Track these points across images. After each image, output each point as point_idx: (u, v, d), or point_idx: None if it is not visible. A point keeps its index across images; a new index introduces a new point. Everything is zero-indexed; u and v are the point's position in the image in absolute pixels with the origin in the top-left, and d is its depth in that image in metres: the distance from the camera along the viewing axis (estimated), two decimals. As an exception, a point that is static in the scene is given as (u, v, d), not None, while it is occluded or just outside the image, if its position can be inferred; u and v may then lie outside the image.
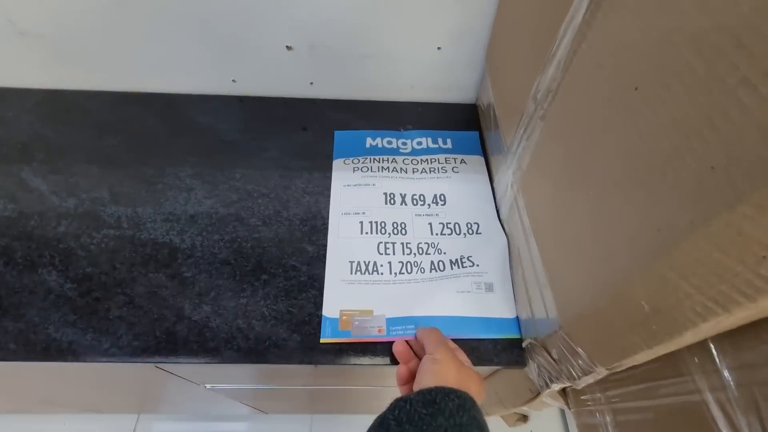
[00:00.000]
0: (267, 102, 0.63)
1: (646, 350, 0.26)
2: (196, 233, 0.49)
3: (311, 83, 0.62)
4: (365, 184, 0.54)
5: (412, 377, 0.37)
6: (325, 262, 0.47)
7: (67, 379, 0.60)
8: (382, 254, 0.48)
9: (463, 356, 0.39)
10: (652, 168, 0.23)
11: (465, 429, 0.28)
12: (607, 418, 0.38)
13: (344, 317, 0.43)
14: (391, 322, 0.43)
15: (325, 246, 0.49)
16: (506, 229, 0.50)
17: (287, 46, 0.56)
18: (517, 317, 0.45)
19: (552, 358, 0.37)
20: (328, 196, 0.53)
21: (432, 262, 0.48)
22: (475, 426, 0.29)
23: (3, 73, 0.60)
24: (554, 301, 0.35)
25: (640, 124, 0.24)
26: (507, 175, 0.48)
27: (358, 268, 0.47)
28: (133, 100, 0.62)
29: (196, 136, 0.59)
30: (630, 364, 0.29)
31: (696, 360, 0.27)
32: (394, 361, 0.41)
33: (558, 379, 0.38)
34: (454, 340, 0.42)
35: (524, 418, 1.04)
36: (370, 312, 0.43)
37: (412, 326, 0.43)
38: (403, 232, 0.50)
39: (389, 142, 0.59)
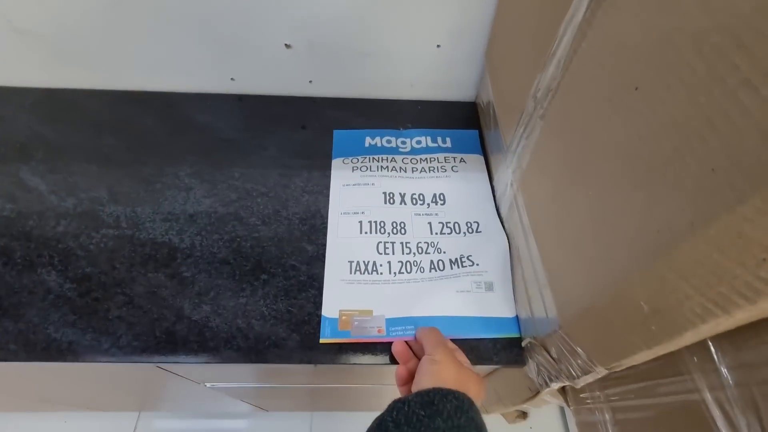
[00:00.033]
0: (266, 100, 0.63)
1: (645, 351, 0.26)
2: (195, 233, 0.49)
3: (310, 81, 0.62)
4: (364, 184, 0.53)
5: (411, 378, 0.37)
6: (324, 262, 0.47)
7: (68, 378, 0.60)
8: (381, 254, 0.48)
9: (462, 356, 0.39)
10: (652, 168, 0.23)
11: (463, 430, 0.28)
12: (606, 416, 0.39)
13: (344, 317, 0.43)
14: (391, 322, 0.43)
15: (324, 245, 0.49)
16: (506, 228, 0.50)
17: (286, 45, 0.56)
18: (517, 316, 0.45)
19: (551, 357, 0.37)
20: (328, 195, 0.53)
21: (432, 262, 0.48)
22: (474, 427, 0.29)
23: (1, 72, 0.60)
24: (554, 300, 0.35)
25: (641, 124, 0.24)
26: (507, 174, 0.47)
27: (358, 268, 0.47)
28: (132, 99, 0.62)
29: (195, 135, 0.58)
30: (629, 364, 0.29)
31: (695, 359, 0.27)
32: (394, 361, 0.41)
33: (557, 378, 0.38)
34: (454, 340, 0.42)
35: (524, 414, 1.04)
36: (370, 312, 0.43)
37: (412, 326, 0.43)
38: (403, 231, 0.50)
39: (388, 141, 0.59)
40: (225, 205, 0.52)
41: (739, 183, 0.17)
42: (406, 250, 0.48)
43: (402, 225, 0.50)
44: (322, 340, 0.42)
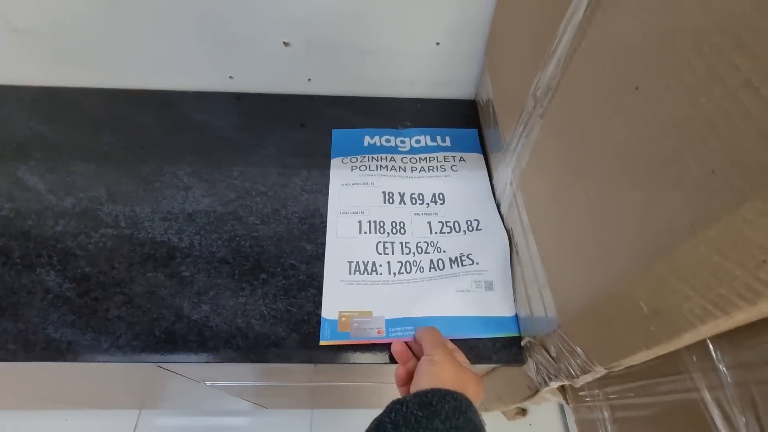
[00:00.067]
0: (264, 99, 0.63)
1: (644, 351, 0.26)
2: (194, 232, 0.49)
3: (309, 79, 0.61)
4: (363, 183, 0.53)
5: (410, 378, 0.37)
6: (323, 261, 0.47)
7: (68, 377, 0.61)
8: (381, 254, 0.48)
9: (461, 357, 0.39)
10: (652, 169, 0.23)
11: (461, 431, 0.28)
12: (605, 414, 0.39)
13: (343, 318, 0.43)
14: (390, 323, 0.43)
15: (323, 244, 0.49)
16: (506, 226, 0.50)
17: (284, 42, 0.56)
18: (516, 315, 0.45)
19: (551, 356, 0.38)
20: (327, 194, 0.53)
21: (431, 261, 0.47)
22: (472, 428, 0.29)
23: (-2, 71, 0.60)
24: (553, 300, 0.35)
25: (641, 124, 0.24)
26: (506, 173, 0.47)
27: (357, 269, 0.47)
28: (130, 97, 0.61)
29: (193, 134, 0.58)
30: (628, 364, 0.29)
31: (694, 358, 0.27)
32: (394, 360, 0.41)
33: (557, 377, 0.38)
34: (454, 340, 0.42)
35: (523, 411, 1.04)
36: (369, 313, 0.43)
37: (411, 327, 0.43)
38: (402, 231, 0.50)
39: (387, 141, 0.58)
40: (224, 205, 0.52)
41: (740, 184, 0.17)
42: (405, 249, 0.48)
43: (401, 225, 0.50)
44: (321, 342, 0.42)
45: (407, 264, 0.47)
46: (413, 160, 0.56)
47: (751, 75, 0.17)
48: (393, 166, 0.55)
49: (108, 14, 0.52)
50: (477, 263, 0.47)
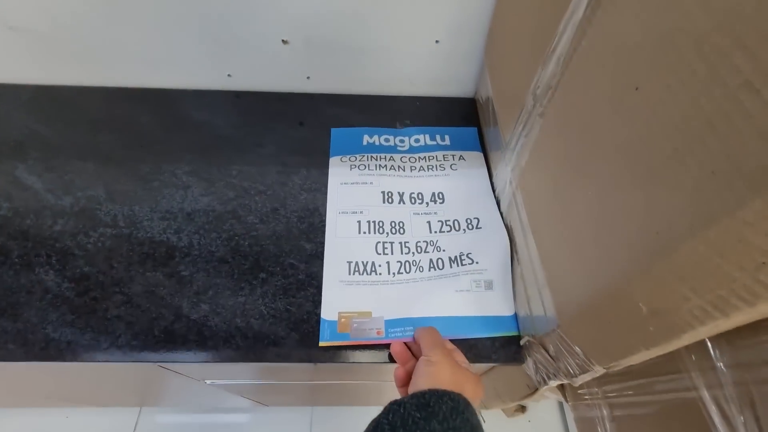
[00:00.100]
0: (263, 97, 0.62)
1: (643, 351, 0.26)
2: (193, 231, 0.49)
3: (308, 78, 0.61)
4: (362, 183, 0.53)
5: (409, 379, 0.36)
6: (323, 260, 0.47)
7: (68, 377, 0.61)
8: (380, 254, 0.48)
9: (460, 357, 0.39)
10: (652, 170, 0.22)
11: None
12: (604, 412, 0.39)
13: (343, 319, 0.43)
14: (390, 323, 0.43)
15: (322, 243, 0.49)
16: (506, 225, 0.49)
17: (283, 40, 0.55)
18: (516, 314, 0.45)
19: (550, 355, 0.38)
20: (326, 193, 0.53)
21: (431, 261, 0.47)
22: (469, 428, 0.29)
23: (-5, 69, 0.59)
24: (552, 299, 0.35)
25: (641, 124, 0.23)
26: (506, 172, 0.47)
27: (356, 269, 0.46)
28: (128, 95, 0.61)
29: (191, 132, 0.58)
30: (627, 364, 0.29)
31: (693, 357, 0.27)
32: (393, 360, 0.41)
33: (555, 376, 0.38)
34: (453, 340, 0.42)
35: (522, 408, 1.05)
36: (369, 314, 0.43)
37: (411, 327, 0.43)
38: (402, 231, 0.50)
39: (386, 140, 0.58)
40: (223, 204, 0.51)
41: (740, 186, 0.17)
42: (405, 249, 0.48)
43: (401, 224, 0.50)
44: (321, 343, 0.42)
45: (407, 264, 0.47)
46: (412, 159, 0.56)
47: (751, 76, 0.16)
48: (392, 165, 0.55)
49: (106, 12, 0.52)
50: (477, 262, 0.46)
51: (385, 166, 0.55)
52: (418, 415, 0.28)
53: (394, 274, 0.46)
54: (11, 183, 0.51)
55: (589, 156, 0.29)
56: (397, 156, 0.56)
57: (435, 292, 0.45)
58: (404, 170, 0.55)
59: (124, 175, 0.53)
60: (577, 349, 0.33)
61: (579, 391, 0.42)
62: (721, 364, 0.25)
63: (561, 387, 0.45)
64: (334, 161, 0.55)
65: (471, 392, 0.33)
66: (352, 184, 0.53)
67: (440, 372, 0.34)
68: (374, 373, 0.59)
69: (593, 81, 0.28)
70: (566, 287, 0.34)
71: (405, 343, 0.41)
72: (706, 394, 0.27)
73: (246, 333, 0.43)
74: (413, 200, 0.52)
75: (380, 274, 0.46)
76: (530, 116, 0.39)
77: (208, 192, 0.52)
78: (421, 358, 0.36)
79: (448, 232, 0.50)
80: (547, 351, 0.38)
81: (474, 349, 0.43)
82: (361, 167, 0.54)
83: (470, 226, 0.50)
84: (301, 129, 0.60)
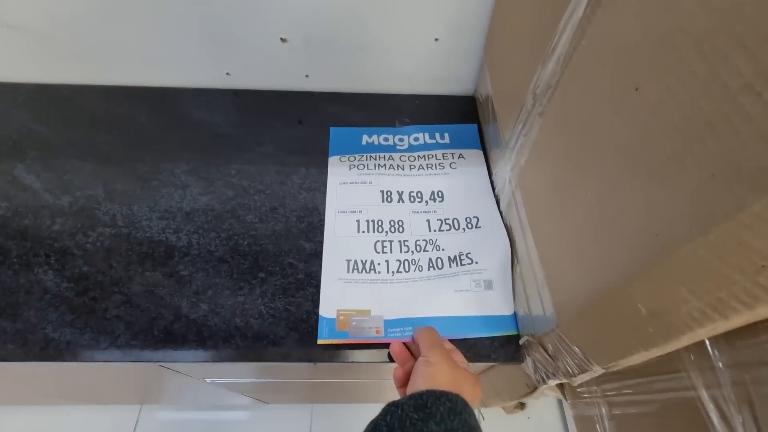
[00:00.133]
0: (262, 95, 0.62)
1: (642, 352, 0.26)
2: (192, 231, 0.49)
3: (307, 76, 0.61)
4: (361, 182, 0.53)
5: (408, 379, 0.37)
6: (322, 260, 0.47)
7: (68, 376, 0.61)
8: (379, 253, 0.48)
9: (459, 357, 0.39)
10: (652, 171, 0.22)
11: None
12: (603, 410, 0.39)
13: (341, 317, 0.43)
14: (389, 323, 0.43)
15: (322, 243, 0.48)
16: (505, 224, 0.49)
17: (282, 39, 0.55)
18: (515, 313, 0.45)
19: (549, 355, 0.38)
20: (325, 192, 0.53)
21: (430, 260, 0.47)
22: (467, 429, 0.29)
23: (-8, 68, 0.59)
24: (551, 299, 0.35)
25: (640, 125, 0.23)
26: (505, 171, 0.47)
27: (355, 267, 0.46)
28: (126, 94, 0.61)
29: (190, 131, 0.58)
30: (626, 365, 0.29)
31: (692, 357, 0.27)
32: (393, 360, 0.41)
33: (555, 375, 0.38)
34: (453, 340, 0.42)
35: (521, 405, 1.05)
36: (368, 312, 0.43)
37: (410, 328, 0.43)
38: (401, 229, 0.49)
39: (386, 139, 0.58)
40: (222, 203, 0.51)
41: (739, 189, 0.17)
42: (404, 248, 0.48)
43: (400, 223, 0.50)
44: (320, 341, 0.42)
45: (406, 262, 0.47)
46: (412, 158, 0.56)
47: (752, 78, 0.16)
48: (391, 164, 0.55)
49: (104, 10, 0.51)
50: (476, 262, 0.46)
51: (384, 165, 0.55)
52: (416, 417, 0.28)
53: (393, 272, 0.46)
54: (9, 182, 0.51)
55: (588, 156, 0.29)
56: (396, 155, 0.56)
57: (434, 292, 0.45)
58: (403, 169, 0.55)
59: (123, 175, 0.53)
60: (576, 349, 0.33)
61: (578, 390, 0.42)
62: (720, 364, 0.25)
63: (560, 385, 0.45)
64: (333, 161, 0.55)
65: (469, 393, 0.33)
66: (351, 183, 0.53)
67: (438, 373, 0.34)
68: (374, 372, 0.59)
69: (593, 81, 0.28)
70: (565, 287, 0.34)
71: (404, 343, 0.41)
72: (704, 394, 0.27)
73: (245, 333, 0.43)
74: (412, 199, 0.52)
75: (379, 272, 0.46)
76: (530, 115, 0.39)
77: (207, 191, 0.52)
78: (420, 359, 0.36)
79: (447, 230, 0.50)
80: (546, 350, 0.38)
81: (473, 349, 0.43)
82: (360, 167, 0.54)
83: (470, 225, 0.50)
84: (300, 127, 0.59)
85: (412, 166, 0.55)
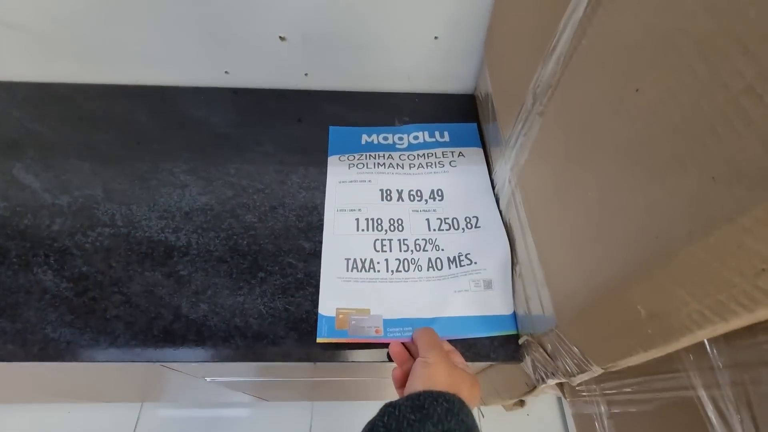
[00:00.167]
0: (261, 94, 0.62)
1: (641, 353, 0.26)
2: (191, 230, 0.49)
3: (306, 74, 0.60)
4: (361, 181, 0.53)
5: (407, 379, 0.37)
6: (321, 259, 0.47)
7: (68, 375, 0.61)
8: (378, 251, 0.48)
9: (458, 358, 0.39)
10: (652, 173, 0.22)
11: None
12: (602, 409, 0.39)
13: (341, 315, 0.43)
14: (389, 323, 0.43)
15: (321, 242, 0.48)
16: (505, 223, 0.49)
17: (281, 37, 0.55)
18: (514, 313, 0.45)
19: (548, 355, 0.38)
20: (324, 192, 0.52)
21: (430, 260, 0.47)
22: (464, 430, 0.29)
23: (-10, 67, 0.59)
24: (551, 299, 0.35)
25: (641, 126, 0.23)
26: (505, 170, 0.47)
27: (355, 266, 0.46)
28: (124, 92, 0.60)
29: (189, 130, 0.58)
30: (625, 365, 0.29)
31: (691, 357, 0.27)
32: (392, 360, 0.41)
33: (554, 375, 0.38)
34: (453, 340, 0.42)
35: (521, 402, 1.05)
36: (367, 311, 0.43)
37: (410, 328, 0.42)
38: (400, 228, 0.49)
39: (385, 138, 0.58)
40: (221, 203, 0.51)
41: (740, 193, 0.17)
42: (403, 247, 0.48)
43: (399, 222, 0.50)
44: (319, 340, 0.42)
45: (405, 261, 0.47)
46: (411, 157, 0.56)
47: (754, 81, 0.16)
48: (391, 163, 0.55)
49: (103, 9, 0.51)
50: (475, 263, 0.46)
51: (384, 164, 0.54)
52: (413, 417, 0.28)
53: (392, 271, 0.46)
54: (8, 182, 0.51)
55: (588, 156, 0.29)
56: (395, 154, 0.56)
57: (434, 292, 0.45)
58: (403, 168, 0.54)
59: (122, 174, 0.53)
60: (575, 349, 0.33)
61: (577, 388, 0.42)
62: (720, 364, 0.25)
63: (559, 383, 0.45)
64: (332, 160, 0.55)
65: (467, 393, 0.33)
66: (351, 182, 0.53)
67: (436, 373, 0.34)
68: (374, 371, 0.60)
69: (593, 81, 0.28)
70: (565, 287, 0.34)
71: (403, 343, 0.41)
72: (703, 394, 0.27)
73: (245, 332, 0.43)
74: (412, 197, 0.52)
75: (378, 271, 0.46)
76: (530, 114, 0.39)
77: (206, 191, 0.52)
78: (418, 360, 0.36)
79: (447, 230, 0.50)
80: (545, 350, 0.38)
81: (473, 348, 0.43)
82: (360, 166, 0.54)
83: (469, 225, 0.50)
84: (299, 126, 0.59)
85: (412, 165, 0.55)
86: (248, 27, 0.53)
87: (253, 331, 0.43)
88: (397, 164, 0.55)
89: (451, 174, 0.54)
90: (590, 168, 0.29)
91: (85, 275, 0.45)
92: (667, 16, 0.21)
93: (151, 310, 0.43)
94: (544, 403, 1.08)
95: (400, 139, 0.58)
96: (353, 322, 0.43)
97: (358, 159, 0.55)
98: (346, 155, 0.55)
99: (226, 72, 0.60)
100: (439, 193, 0.53)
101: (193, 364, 0.49)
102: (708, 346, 0.26)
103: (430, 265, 0.47)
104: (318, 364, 0.44)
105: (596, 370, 0.32)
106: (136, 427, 1.03)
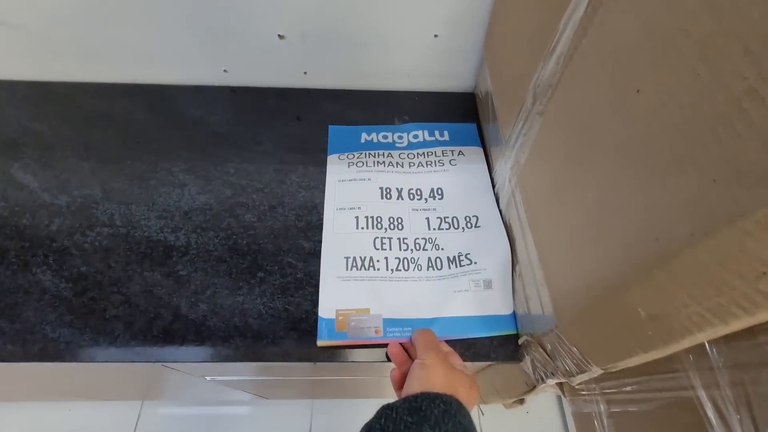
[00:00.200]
0: (260, 92, 0.62)
1: (641, 354, 0.26)
2: (190, 230, 0.49)
3: (305, 73, 0.60)
4: (360, 179, 0.53)
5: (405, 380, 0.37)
6: (321, 259, 0.47)
7: (69, 374, 0.61)
8: (378, 249, 0.47)
9: (456, 359, 0.39)
10: (653, 174, 0.22)
11: None
12: (602, 408, 0.39)
13: (340, 317, 0.43)
14: (388, 323, 0.43)
15: (321, 242, 0.48)
16: (505, 222, 0.49)
17: (279, 35, 0.54)
18: (514, 312, 0.44)
19: (548, 355, 0.38)
20: (324, 191, 0.52)
21: (429, 259, 0.47)
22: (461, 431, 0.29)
23: (-12, 65, 0.59)
24: (550, 299, 0.35)
25: (641, 127, 0.23)
26: (505, 169, 0.47)
27: (354, 264, 0.46)
28: (123, 91, 0.60)
29: (188, 129, 0.57)
30: (625, 366, 0.29)
31: (691, 357, 0.27)
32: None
33: (553, 375, 0.38)
34: (452, 340, 0.42)
35: (521, 400, 1.06)
36: (367, 310, 0.43)
37: (409, 328, 0.42)
38: (400, 227, 0.49)
39: (385, 137, 0.57)
40: (220, 202, 0.51)
41: (741, 196, 0.17)
42: (403, 246, 0.48)
43: (399, 220, 0.50)
44: (319, 343, 0.42)
45: (405, 261, 0.47)
46: (411, 156, 0.55)
47: (756, 83, 0.16)
48: (390, 162, 0.54)
49: (101, 7, 0.51)
50: (475, 263, 0.46)
51: (384, 162, 0.54)
52: (410, 420, 0.28)
53: (392, 270, 0.46)
54: (6, 182, 0.51)
55: (589, 156, 0.29)
56: (395, 152, 0.56)
57: (434, 292, 0.45)
58: (403, 166, 0.54)
59: (121, 174, 0.53)
60: (574, 349, 0.33)
61: (577, 387, 0.42)
62: (719, 364, 0.25)
63: (559, 383, 0.45)
64: (332, 159, 0.55)
65: (465, 395, 0.33)
66: (350, 180, 0.53)
67: (434, 375, 0.34)
68: (373, 370, 0.60)
69: (594, 81, 0.28)
70: (564, 287, 0.34)
71: (402, 344, 0.41)
72: (703, 394, 0.27)
73: (245, 332, 0.43)
74: (412, 196, 0.52)
75: (378, 269, 0.46)
76: (530, 114, 0.38)
77: (205, 190, 0.52)
78: (416, 361, 0.36)
79: (447, 229, 0.49)
80: (545, 350, 0.38)
81: (473, 348, 0.43)
82: (359, 164, 0.54)
83: (469, 225, 0.50)
84: (299, 125, 0.59)
85: (412, 164, 0.55)
86: (247, 25, 0.53)
87: (253, 331, 0.43)
88: (397, 163, 0.55)
89: (451, 173, 0.54)
90: (590, 168, 0.29)
91: (84, 275, 0.45)
92: (668, 16, 0.21)
93: (150, 310, 0.43)
94: (544, 401, 1.08)
95: (400, 137, 0.58)
96: (353, 323, 0.42)
97: (358, 157, 0.55)
98: (346, 154, 0.55)
99: (225, 70, 0.60)
100: (439, 192, 0.52)
101: (193, 363, 0.49)
102: (708, 347, 0.26)
103: (430, 264, 0.47)
104: (318, 363, 0.44)
105: (596, 371, 0.32)
106: (137, 424, 1.03)
